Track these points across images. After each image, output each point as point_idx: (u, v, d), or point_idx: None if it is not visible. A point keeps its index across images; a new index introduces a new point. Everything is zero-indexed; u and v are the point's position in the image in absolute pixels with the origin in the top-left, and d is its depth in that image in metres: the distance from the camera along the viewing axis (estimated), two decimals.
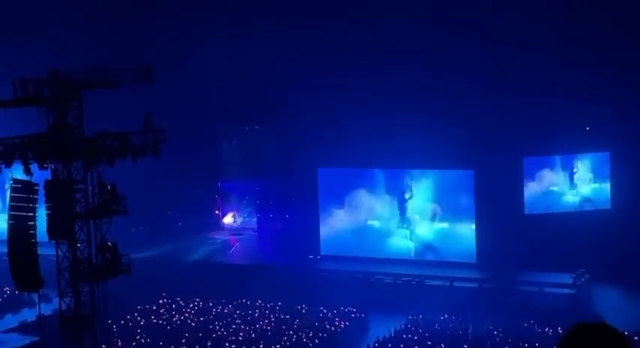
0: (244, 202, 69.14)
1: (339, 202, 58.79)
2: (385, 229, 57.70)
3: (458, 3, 56.92)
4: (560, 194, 57.76)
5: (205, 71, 60.94)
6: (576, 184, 57.67)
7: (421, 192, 56.86)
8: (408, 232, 57.08)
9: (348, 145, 55.49)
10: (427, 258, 56.26)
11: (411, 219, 57.09)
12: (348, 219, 58.76)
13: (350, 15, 58.99)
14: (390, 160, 55.89)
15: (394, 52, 57.46)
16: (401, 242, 57.34)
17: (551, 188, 57.47)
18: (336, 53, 58.35)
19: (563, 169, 57.73)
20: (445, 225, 56.17)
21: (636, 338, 40.89)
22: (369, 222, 58.12)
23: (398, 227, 57.39)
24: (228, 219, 69.39)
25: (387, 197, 57.76)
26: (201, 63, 60.28)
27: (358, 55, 58.69)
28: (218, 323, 48.15)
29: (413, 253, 56.88)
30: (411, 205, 56.98)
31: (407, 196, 57.01)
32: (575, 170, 57.51)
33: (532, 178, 56.91)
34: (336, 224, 58.99)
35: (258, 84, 60.58)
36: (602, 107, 53.11)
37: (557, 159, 57.57)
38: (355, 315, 49.34)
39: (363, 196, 58.16)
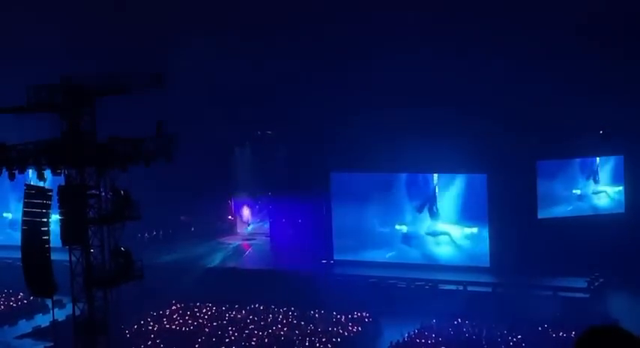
0: (257, 206, 69.18)
1: (351, 206, 58.69)
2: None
3: (471, 7, 56.86)
4: (574, 198, 57.56)
5: (218, 77, 61.02)
6: (591, 187, 57.51)
7: (436, 196, 56.83)
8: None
9: (360, 149, 55.42)
10: (442, 262, 56.12)
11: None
12: (360, 222, 58.65)
13: (363, 18, 59.00)
14: (403, 164, 55.80)
15: (409, 56, 57.41)
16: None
17: (566, 192, 57.30)
18: (350, 57, 58.39)
19: (577, 172, 57.55)
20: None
21: None
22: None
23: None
24: (242, 225, 69.43)
25: (402, 201, 57.64)
26: (213, 68, 60.35)
27: (372, 58, 58.69)
28: (231, 328, 48.18)
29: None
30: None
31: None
32: (596, 174, 57.32)
33: (546, 181, 56.71)
34: (348, 228, 58.90)
35: (271, 88, 60.64)
36: (615, 111, 52.97)
37: (572, 162, 57.37)
38: (368, 320, 49.28)
39: (374, 200, 58.08)
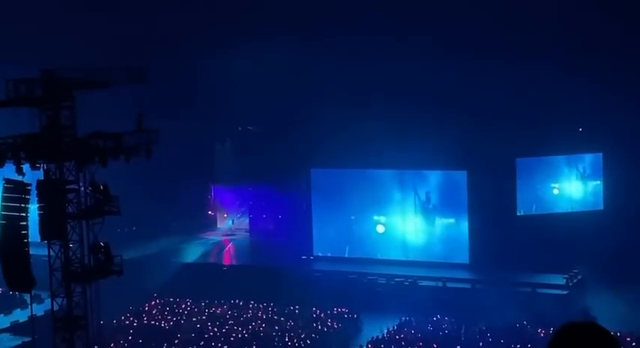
0: (237, 202, 69.10)
1: (332, 203, 58.73)
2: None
3: (451, 6, 56.94)
4: (553, 195, 57.85)
5: (198, 72, 60.87)
6: (570, 185, 57.84)
7: (416, 192, 56.99)
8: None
9: (341, 146, 55.43)
10: (421, 258, 56.22)
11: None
12: (340, 219, 58.70)
13: (343, 16, 58.99)
14: (384, 161, 55.85)
15: (387, 53, 57.48)
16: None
17: (545, 189, 57.57)
18: (330, 54, 58.33)
19: (556, 170, 57.84)
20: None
21: (628, 339, 40.97)
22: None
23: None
24: (222, 221, 69.33)
25: (382, 198, 57.73)
26: (194, 63, 60.21)
27: (351, 55, 58.69)
28: (211, 324, 48.13)
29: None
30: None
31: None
32: (575, 171, 57.64)
33: (525, 178, 56.95)
34: (328, 225, 58.93)
35: (252, 84, 60.49)
36: (594, 109, 53.30)
37: (551, 160, 57.62)
38: (348, 316, 49.36)
39: (355, 197, 58.12)
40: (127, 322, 48.67)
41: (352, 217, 58.24)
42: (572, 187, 57.98)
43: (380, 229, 57.75)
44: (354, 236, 58.24)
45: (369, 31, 58.54)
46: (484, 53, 54.52)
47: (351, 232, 58.35)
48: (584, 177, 57.78)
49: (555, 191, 57.89)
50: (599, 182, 57.59)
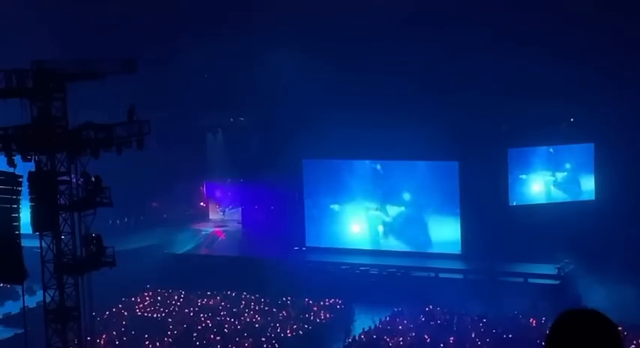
0: (229, 193, 69.00)
1: (324, 194, 58.73)
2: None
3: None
4: (545, 185, 57.94)
5: (190, 62, 60.67)
6: (562, 175, 57.97)
7: (408, 183, 57.00)
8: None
9: (333, 137, 55.34)
10: (414, 249, 56.25)
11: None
12: (332, 210, 58.70)
13: (335, 5, 58.86)
14: (376, 151, 55.83)
15: (379, 44, 57.38)
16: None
17: (537, 179, 57.67)
18: (322, 43, 58.22)
19: (549, 160, 57.93)
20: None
21: (619, 328, 41.07)
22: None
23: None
24: (214, 212, 69.26)
25: (375, 188, 57.75)
26: (185, 54, 60.01)
27: (344, 45, 58.59)
28: (203, 315, 48.12)
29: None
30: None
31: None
32: (567, 162, 57.78)
33: (517, 169, 57.03)
34: (320, 215, 58.93)
35: (243, 75, 60.37)
36: (586, 99, 53.36)
37: (543, 150, 57.70)
38: (340, 306, 49.38)
39: (346, 187, 58.14)
40: (119, 314, 48.59)
41: (349, 215, 58.14)
42: (564, 178, 58.06)
43: (376, 215, 57.77)
44: (347, 227, 58.23)
45: (359, 21, 58.40)
46: (476, 43, 54.44)
47: (343, 223, 58.33)
48: (567, 169, 57.88)
49: (547, 180, 57.93)
50: (590, 172, 57.71)
